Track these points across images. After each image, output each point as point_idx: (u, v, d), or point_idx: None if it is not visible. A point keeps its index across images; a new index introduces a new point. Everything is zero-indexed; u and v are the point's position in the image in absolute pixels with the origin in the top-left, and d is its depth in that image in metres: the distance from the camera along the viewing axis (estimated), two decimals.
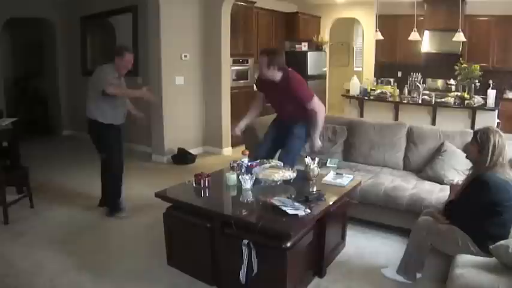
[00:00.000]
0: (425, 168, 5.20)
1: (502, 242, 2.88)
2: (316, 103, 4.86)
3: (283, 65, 4.87)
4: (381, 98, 8.85)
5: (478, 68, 8.38)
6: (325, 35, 12.30)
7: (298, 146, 5.13)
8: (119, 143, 5.41)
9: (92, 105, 5.16)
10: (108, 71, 5.13)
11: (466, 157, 3.69)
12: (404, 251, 3.75)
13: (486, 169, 3.26)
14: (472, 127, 7.37)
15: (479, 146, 3.32)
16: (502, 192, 3.19)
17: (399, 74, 11.14)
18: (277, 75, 4.82)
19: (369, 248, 4.46)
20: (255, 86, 5.55)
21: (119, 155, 5.39)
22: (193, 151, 8.03)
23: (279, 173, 4.06)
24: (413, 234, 3.66)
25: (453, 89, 9.67)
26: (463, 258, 3.08)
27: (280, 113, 5.26)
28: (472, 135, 3.49)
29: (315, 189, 3.96)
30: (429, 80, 10.64)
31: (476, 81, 8.53)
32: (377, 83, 10.47)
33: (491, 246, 2.92)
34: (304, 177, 4.27)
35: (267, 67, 4.78)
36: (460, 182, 3.76)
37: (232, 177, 4.04)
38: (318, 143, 5.07)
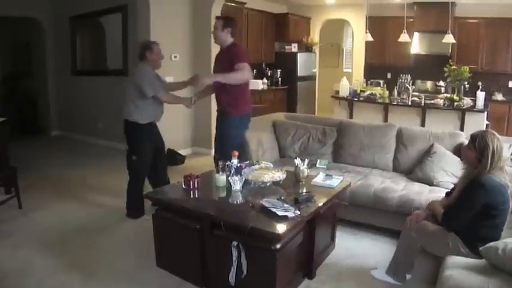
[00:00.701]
0: (415, 169, 5.22)
1: (491, 243, 2.89)
2: (246, 67, 4.98)
3: (235, 34, 5.21)
4: (371, 100, 8.87)
5: (467, 69, 8.43)
6: (315, 36, 12.33)
7: (226, 144, 5.17)
8: (153, 142, 5.37)
9: (131, 106, 5.14)
10: (149, 70, 5.09)
11: (462, 160, 3.67)
12: (394, 252, 3.76)
13: (484, 173, 3.23)
14: (462, 129, 7.42)
15: (477, 152, 3.28)
16: (498, 195, 3.19)
17: (389, 75, 11.19)
18: (228, 40, 5.14)
19: (358, 249, 4.46)
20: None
21: (149, 157, 5.31)
22: (182, 152, 8.01)
23: (269, 174, 4.05)
24: (403, 235, 3.67)
25: (442, 91, 9.74)
26: (453, 260, 3.09)
27: (217, 96, 5.34)
28: (468, 140, 3.44)
29: (304, 190, 3.95)
30: (418, 82, 10.69)
31: (466, 83, 8.59)
32: (367, 84, 10.52)
33: (481, 248, 2.93)
34: (293, 178, 4.26)
35: (222, 29, 5.09)
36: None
37: (221, 178, 4.03)
38: (207, 81, 5.07)
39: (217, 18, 5.31)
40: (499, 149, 3.25)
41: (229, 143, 5.09)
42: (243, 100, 5.25)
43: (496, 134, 3.34)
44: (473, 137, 3.36)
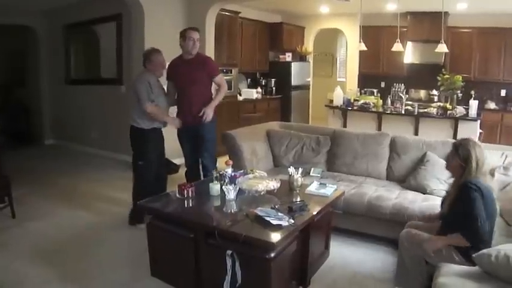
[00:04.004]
0: (408, 178, 5.24)
1: (484, 250, 2.89)
2: (222, 78, 5.46)
3: None
4: (364, 109, 8.90)
5: (460, 78, 8.46)
6: (309, 45, 12.38)
7: (214, 147, 5.53)
8: (158, 149, 5.39)
9: (135, 113, 5.19)
10: (144, 79, 5.14)
11: (447, 168, 3.70)
12: (396, 264, 3.77)
13: (470, 178, 3.30)
14: (455, 137, 7.44)
15: (461, 161, 3.38)
16: (488, 197, 3.24)
17: (382, 84, 11.23)
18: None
19: (352, 257, 4.47)
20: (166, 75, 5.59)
21: (155, 164, 5.32)
22: (176, 161, 7.99)
23: (263, 183, 4.05)
24: (400, 246, 3.68)
25: (436, 100, 9.77)
26: (447, 268, 3.09)
27: (188, 104, 5.36)
28: (451, 149, 3.54)
29: (298, 199, 3.95)
30: (412, 91, 10.75)
31: (459, 91, 8.62)
32: (360, 94, 10.55)
33: (474, 255, 2.93)
34: (287, 187, 4.26)
35: (198, 42, 5.27)
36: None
37: (215, 187, 4.02)
38: (211, 114, 5.30)
39: (194, 29, 5.36)
40: (481, 156, 3.34)
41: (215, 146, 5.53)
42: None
43: (477, 141, 3.46)
44: (456, 146, 3.48)
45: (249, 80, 11.23)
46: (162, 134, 5.48)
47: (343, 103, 9.24)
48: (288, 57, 11.53)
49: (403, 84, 10.24)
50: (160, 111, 5.23)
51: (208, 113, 5.27)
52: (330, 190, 4.22)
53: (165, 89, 5.52)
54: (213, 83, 5.48)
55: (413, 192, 4.95)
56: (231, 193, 3.86)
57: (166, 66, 5.48)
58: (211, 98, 5.42)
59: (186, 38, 5.23)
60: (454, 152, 3.47)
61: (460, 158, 3.39)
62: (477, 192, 3.20)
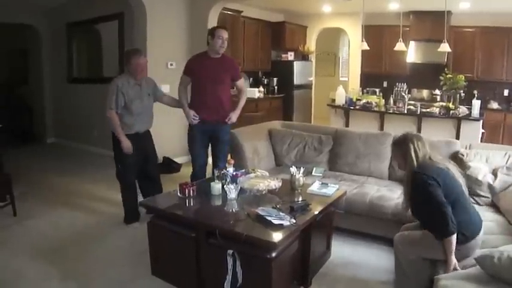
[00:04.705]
0: None
1: (486, 252, 2.86)
2: (244, 82, 5.56)
3: None
4: (367, 108, 8.89)
5: (463, 78, 8.45)
6: (311, 44, 12.38)
7: (228, 149, 5.57)
8: (137, 155, 5.23)
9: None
10: (115, 83, 5.02)
11: (399, 168, 3.82)
12: (394, 268, 3.75)
13: (414, 166, 3.41)
14: (457, 137, 7.44)
15: (402, 157, 3.51)
16: (441, 176, 3.29)
17: (385, 84, 11.21)
18: None
19: (354, 257, 4.45)
20: (184, 70, 5.61)
21: (132, 166, 5.26)
22: (178, 160, 7.99)
23: (264, 182, 4.04)
24: (395, 250, 3.68)
25: (438, 99, 9.76)
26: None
27: (207, 102, 5.31)
28: (392, 148, 3.80)
29: (300, 198, 3.95)
30: (414, 90, 10.73)
31: (461, 91, 8.62)
32: (363, 93, 10.53)
33: (476, 257, 2.89)
34: (289, 186, 4.25)
35: (226, 42, 5.21)
36: None
37: (217, 186, 4.02)
38: (235, 119, 5.46)
39: (224, 28, 5.29)
40: (420, 145, 3.47)
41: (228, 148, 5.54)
42: None
43: (417, 134, 3.68)
44: (395, 144, 3.70)
45: (251, 79, 11.20)
46: (148, 136, 5.42)
47: (346, 102, 9.24)
48: (290, 56, 11.53)
49: (405, 84, 10.23)
50: (117, 125, 5.07)
51: (234, 118, 5.37)
52: (331, 190, 4.21)
53: (160, 89, 5.48)
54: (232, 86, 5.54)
55: None
56: (232, 192, 3.85)
57: (184, 65, 5.49)
58: (230, 99, 5.47)
59: (214, 36, 5.14)
60: (395, 151, 3.73)
61: (400, 154, 3.56)
62: (424, 176, 3.27)
